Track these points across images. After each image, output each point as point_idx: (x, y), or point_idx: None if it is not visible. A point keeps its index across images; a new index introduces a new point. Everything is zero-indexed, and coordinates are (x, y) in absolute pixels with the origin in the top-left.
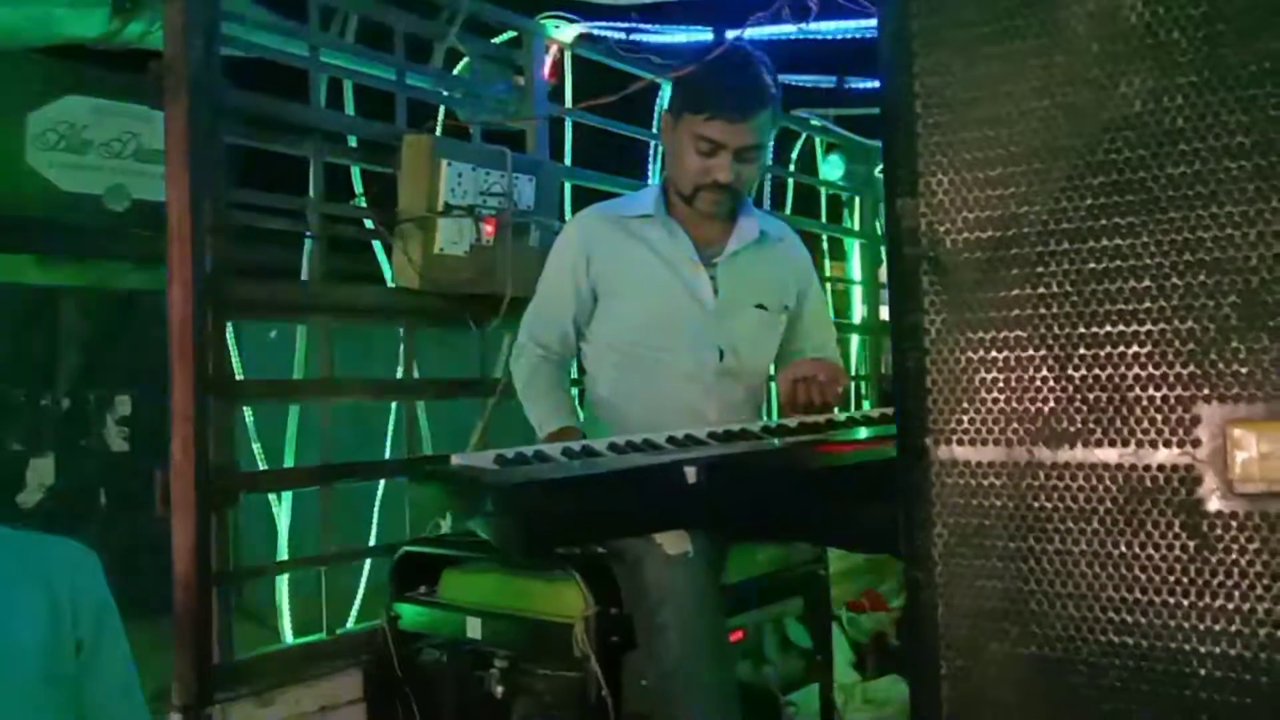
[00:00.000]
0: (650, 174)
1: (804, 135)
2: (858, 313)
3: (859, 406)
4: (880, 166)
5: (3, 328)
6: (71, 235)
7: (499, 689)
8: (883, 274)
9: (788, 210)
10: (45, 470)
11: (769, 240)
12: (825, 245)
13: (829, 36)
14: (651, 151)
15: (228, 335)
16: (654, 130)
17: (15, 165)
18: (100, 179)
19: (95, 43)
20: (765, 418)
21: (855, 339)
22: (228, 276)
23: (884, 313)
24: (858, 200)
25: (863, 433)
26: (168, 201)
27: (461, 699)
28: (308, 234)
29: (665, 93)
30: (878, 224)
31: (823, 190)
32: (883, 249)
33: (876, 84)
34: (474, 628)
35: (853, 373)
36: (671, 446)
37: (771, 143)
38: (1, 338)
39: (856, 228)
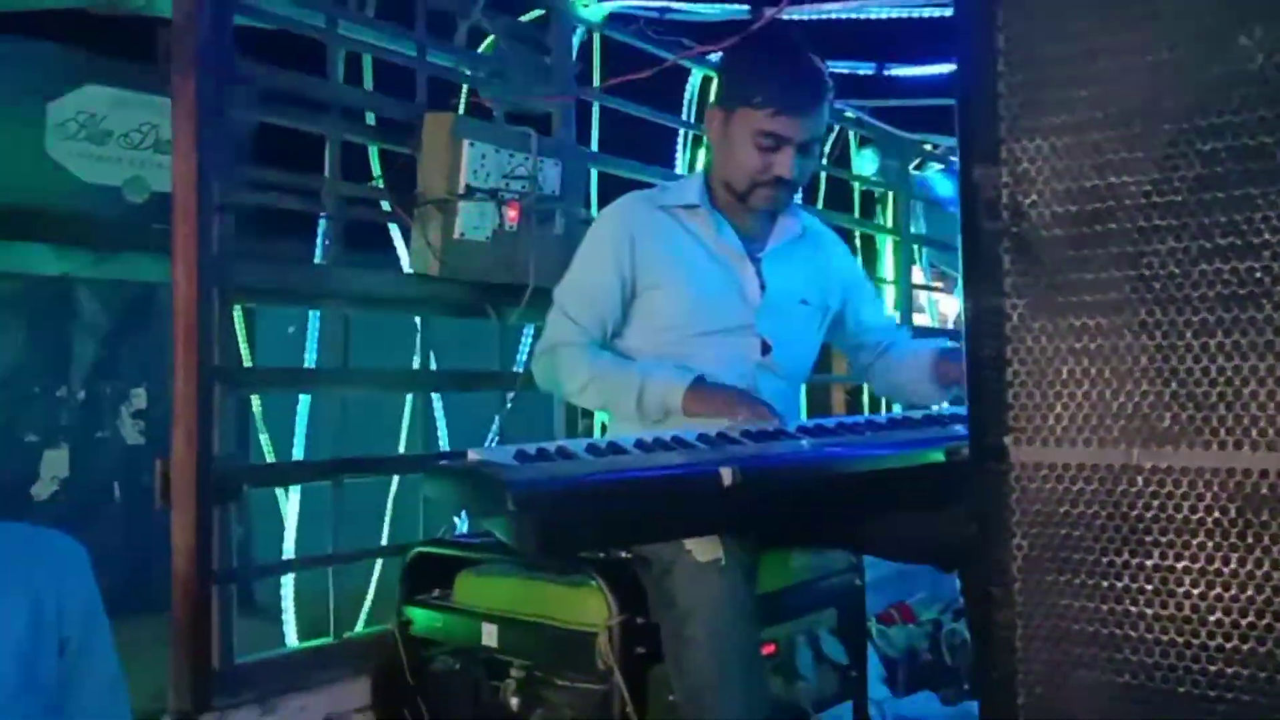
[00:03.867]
0: (678, 161)
1: (837, 128)
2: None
3: (890, 410)
4: (915, 162)
5: (20, 318)
6: (90, 227)
7: (515, 700)
8: (916, 274)
9: (819, 205)
10: (59, 462)
11: (810, 236)
12: (858, 243)
13: (874, 16)
14: (681, 139)
15: (237, 322)
16: (683, 116)
17: (36, 155)
18: (119, 170)
19: (98, 8)
20: (803, 417)
21: None
22: (235, 258)
23: (917, 318)
24: (891, 197)
25: (903, 436)
26: (174, 178)
27: (475, 710)
28: (323, 215)
29: (696, 77)
30: (911, 222)
31: (855, 185)
32: (915, 248)
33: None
34: (489, 635)
35: None
36: (703, 445)
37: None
38: (18, 328)
39: (889, 225)
